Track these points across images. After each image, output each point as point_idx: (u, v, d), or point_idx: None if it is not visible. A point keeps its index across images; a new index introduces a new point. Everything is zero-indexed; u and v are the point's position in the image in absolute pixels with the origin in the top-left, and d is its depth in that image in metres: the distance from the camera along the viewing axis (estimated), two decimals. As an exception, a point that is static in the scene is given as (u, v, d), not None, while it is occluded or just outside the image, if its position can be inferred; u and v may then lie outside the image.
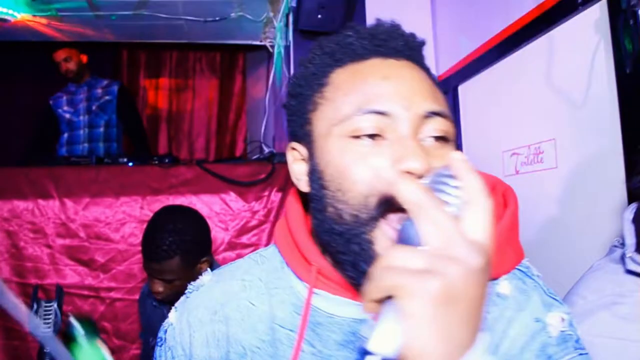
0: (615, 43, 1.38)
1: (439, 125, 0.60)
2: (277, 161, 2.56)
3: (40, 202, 2.39)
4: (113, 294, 2.40)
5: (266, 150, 2.93)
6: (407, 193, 0.44)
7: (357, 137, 0.59)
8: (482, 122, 2.16)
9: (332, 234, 0.60)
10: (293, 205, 0.72)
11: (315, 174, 0.63)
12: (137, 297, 2.06)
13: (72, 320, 0.76)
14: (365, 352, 0.43)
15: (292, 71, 2.72)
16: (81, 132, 3.35)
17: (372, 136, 0.58)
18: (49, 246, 2.38)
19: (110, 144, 3.39)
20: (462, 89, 2.30)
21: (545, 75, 1.69)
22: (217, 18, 3.05)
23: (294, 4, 2.49)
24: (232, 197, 2.51)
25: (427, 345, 0.40)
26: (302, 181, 0.67)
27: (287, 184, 2.54)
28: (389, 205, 0.55)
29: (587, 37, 1.49)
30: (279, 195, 2.54)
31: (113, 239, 2.43)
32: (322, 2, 2.32)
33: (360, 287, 0.49)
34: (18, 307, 0.57)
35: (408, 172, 0.54)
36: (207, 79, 4.79)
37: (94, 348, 0.74)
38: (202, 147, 4.76)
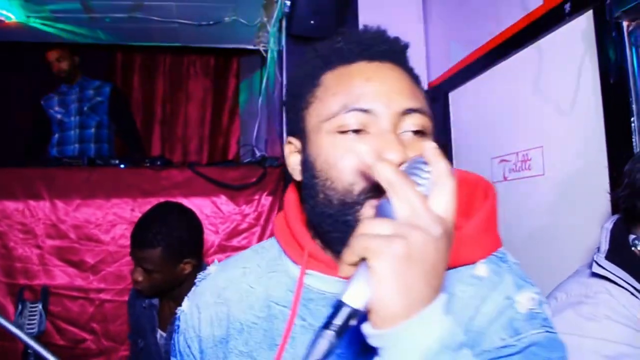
0: (601, 53, 1.41)
1: (417, 121, 0.67)
2: (269, 165, 2.57)
3: (31, 202, 2.39)
4: (103, 295, 2.39)
5: (258, 153, 2.94)
6: (383, 172, 0.52)
7: (344, 132, 0.66)
8: (471, 129, 2.18)
9: (323, 216, 0.67)
10: (290, 197, 0.80)
11: (307, 165, 0.70)
12: (126, 298, 2.05)
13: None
14: (338, 305, 0.50)
15: (284, 75, 2.73)
16: (72, 132, 3.33)
17: (356, 131, 0.65)
18: (38, 247, 2.37)
19: (101, 145, 3.38)
20: (452, 95, 2.33)
21: (534, 84, 1.72)
22: (211, 22, 3.06)
23: (287, 10, 2.50)
24: (222, 200, 2.52)
25: (390, 298, 0.47)
26: (296, 170, 0.75)
27: (277, 188, 2.55)
28: (373, 192, 0.62)
29: (574, 46, 1.52)
30: (270, 199, 2.55)
31: (103, 240, 2.43)
32: (315, 9, 2.34)
33: None
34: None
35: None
36: (201, 82, 4.78)
37: None
38: (195, 150, 4.75)
